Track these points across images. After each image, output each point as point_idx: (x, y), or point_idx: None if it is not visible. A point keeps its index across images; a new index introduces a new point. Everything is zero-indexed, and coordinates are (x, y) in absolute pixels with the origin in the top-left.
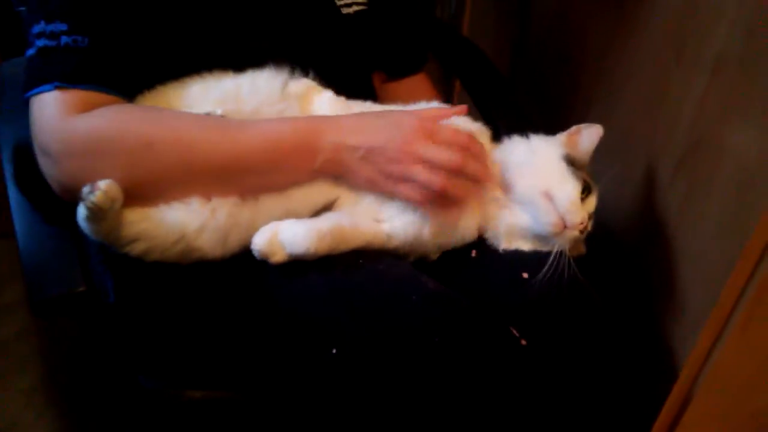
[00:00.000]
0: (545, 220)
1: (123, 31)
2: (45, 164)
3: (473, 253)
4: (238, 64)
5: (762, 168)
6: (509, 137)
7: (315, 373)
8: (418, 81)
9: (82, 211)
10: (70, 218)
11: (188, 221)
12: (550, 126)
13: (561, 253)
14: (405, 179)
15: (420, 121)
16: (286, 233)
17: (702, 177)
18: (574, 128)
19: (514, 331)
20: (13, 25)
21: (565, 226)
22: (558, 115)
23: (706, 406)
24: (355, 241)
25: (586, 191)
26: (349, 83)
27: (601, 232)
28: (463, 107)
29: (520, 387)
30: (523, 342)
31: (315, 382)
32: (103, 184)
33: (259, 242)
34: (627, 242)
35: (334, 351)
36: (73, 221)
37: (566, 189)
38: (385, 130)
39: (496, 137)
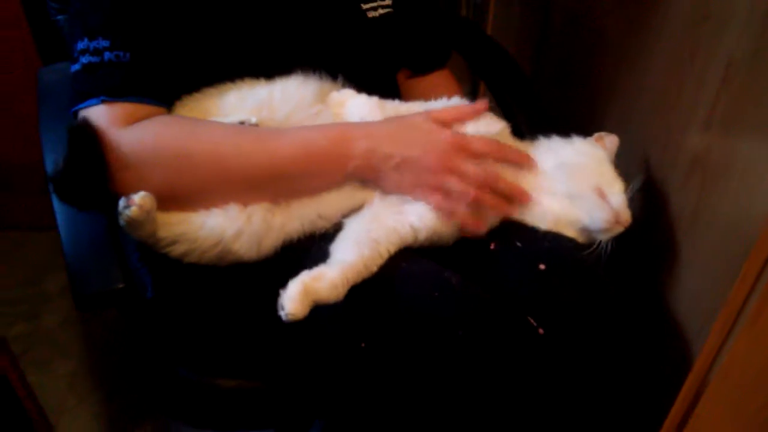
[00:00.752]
0: (600, 215)
1: (161, 44)
2: None
3: (492, 246)
4: (269, 70)
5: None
6: (533, 135)
7: (344, 366)
8: (442, 77)
9: (121, 222)
10: (110, 219)
11: (226, 226)
12: (571, 124)
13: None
14: (438, 190)
15: (454, 136)
16: (321, 294)
17: (714, 178)
18: (596, 135)
19: (532, 321)
20: (51, 33)
21: (617, 222)
22: (578, 113)
23: (718, 398)
24: (372, 265)
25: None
26: (375, 83)
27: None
28: (484, 102)
29: (538, 374)
30: (541, 331)
31: (344, 374)
32: (137, 198)
33: (292, 310)
34: (641, 240)
35: (363, 345)
36: (113, 222)
37: (618, 188)
38: (419, 142)
39: (517, 135)
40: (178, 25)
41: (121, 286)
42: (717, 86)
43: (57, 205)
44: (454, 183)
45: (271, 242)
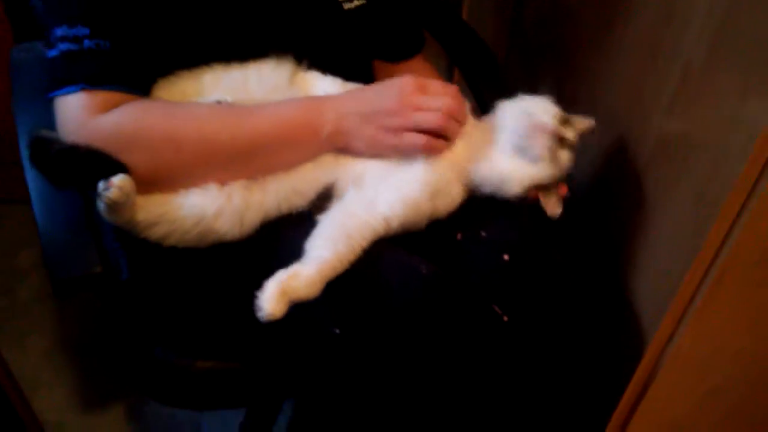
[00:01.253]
0: (520, 123)
1: (140, 32)
2: None
3: (458, 236)
4: (244, 55)
5: (720, 169)
6: None
7: (318, 349)
8: (417, 63)
9: (100, 206)
10: (86, 200)
11: (206, 204)
12: None
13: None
14: (406, 128)
15: (411, 78)
16: (299, 292)
17: (671, 171)
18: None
19: (497, 309)
20: (23, 12)
21: (541, 126)
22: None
23: (667, 384)
24: (347, 259)
25: (564, 120)
26: (350, 72)
27: (577, 215)
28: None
29: (502, 359)
30: (505, 318)
31: (317, 358)
32: (117, 180)
33: (272, 309)
34: (601, 228)
35: (336, 331)
36: (89, 203)
37: (540, 105)
38: (379, 93)
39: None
40: (157, 12)
41: (98, 270)
42: (676, 84)
43: (32, 185)
44: (419, 116)
45: (251, 219)
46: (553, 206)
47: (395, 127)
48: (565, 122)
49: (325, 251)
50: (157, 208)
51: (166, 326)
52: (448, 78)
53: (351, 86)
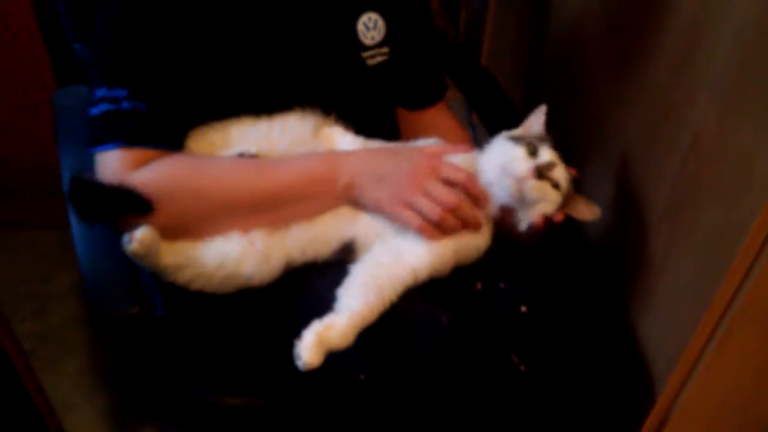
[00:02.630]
0: (490, 171)
1: (175, 92)
2: None
3: (478, 286)
4: (272, 108)
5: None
6: None
7: (342, 392)
8: (438, 111)
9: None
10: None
11: (229, 250)
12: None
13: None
14: (409, 206)
15: (427, 159)
16: (333, 342)
17: (681, 230)
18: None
19: (515, 358)
20: (67, 58)
21: (519, 178)
22: (570, 141)
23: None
24: (375, 314)
25: (533, 150)
26: (373, 122)
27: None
28: (467, 147)
29: (520, 406)
30: (522, 368)
31: (341, 399)
32: (139, 234)
33: (308, 359)
34: (617, 277)
35: (362, 377)
36: None
37: (509, 153)
38: (396, 161)
39: None
40: (190, 73)
41: (136, 310)
42: (686, 148)
43: (75, 227)
44: (423, 202)
45: (275, 263)
46: (583, 212)
47: (400, 199)
48: (535, 153)
49: (357, 301)
50: (183, 253)
51: (199, 362)
52: (468, 109)
53: (372, 144)
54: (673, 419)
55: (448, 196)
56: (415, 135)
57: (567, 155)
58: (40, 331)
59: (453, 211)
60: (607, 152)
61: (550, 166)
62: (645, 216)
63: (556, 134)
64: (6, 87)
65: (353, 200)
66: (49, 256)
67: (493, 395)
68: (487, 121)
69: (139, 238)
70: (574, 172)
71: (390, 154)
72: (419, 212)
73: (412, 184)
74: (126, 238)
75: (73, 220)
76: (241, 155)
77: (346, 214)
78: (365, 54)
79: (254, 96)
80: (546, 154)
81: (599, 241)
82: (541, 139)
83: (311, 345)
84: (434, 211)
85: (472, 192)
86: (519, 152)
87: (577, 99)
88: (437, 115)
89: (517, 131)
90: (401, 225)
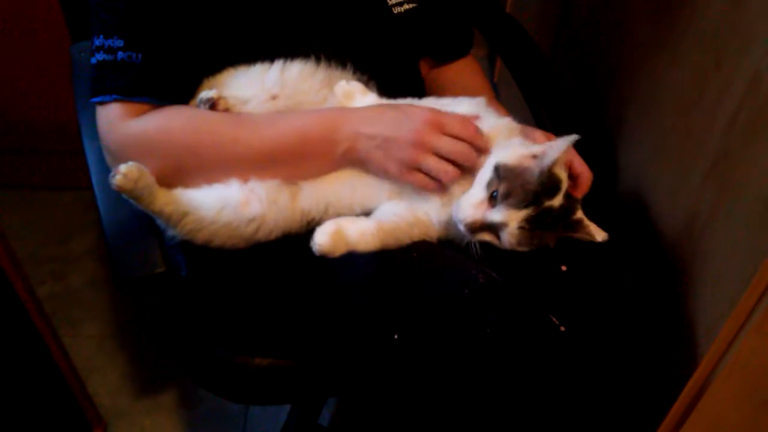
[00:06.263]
0: (453, 207)
1: (173, 45)
2: (109, 161)
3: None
4: (283, 57)
5: None
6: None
7: (374, 352)
8: (465, 64)
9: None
10: None
11: (229, 194)
12: (590, 105)
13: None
14: (417, 168)
15: (431, 113)
16: (351, 230)
17: (730, 185)
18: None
19: (554, 319)
20: (81, 11)
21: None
22: (602, 93)
23: (722, 393)
24: (402, 236)
25: (499, 197)
26: (397, 73)
27: (632, 224)
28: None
29: (558, 368)
30: (562, 329)
31: (372, 359)
32: (124, 168)
33: (322, 241)
34: (657, 238)
35: (396, 336)
36: None
37: (472, 191)
38: (398, 121)
39: (536, 115)
40: (192, 24)
41: (161, 269)
42: (741, 93)
43: (99, 191)
44: (428, 161)
45: (287, 210)
46: (587, 238)
47: (404, 161)
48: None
49: (388, 216)
50: (182, 200)
51: (225, 323)
52: (490, 68)
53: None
54: (716, 381)
55: (457, 148)
56: (440, 90)
57: (598, 108)
58: (59, 293)
59: (460, 162)
60: (645, 104)
61: (499, 226)
62: (689, 172)
63: (587, 84)
64: (21, 44)
65: (357, 164)
66: (67, 218)
67: (532, 357)
68: (513, 68)
69: (124, 171)
70: (589, 177)
71: (390, 111)
72: (429, 173)
73: (416, 145)
74: (112, 172)
75: (95, 179)
76: (201, 101)
77: (360, 178)
78: (392, 1)
79: (268, 44)
80: (498, 215)
81: (638, 199)
82: (529, 183)
83: (329, 231)
84: (445, 169)
85: (477, 145)
86: (476, 195)
87: (611, 46)
88: (465, 69)
89: (536, 148)
90: (407, 185)
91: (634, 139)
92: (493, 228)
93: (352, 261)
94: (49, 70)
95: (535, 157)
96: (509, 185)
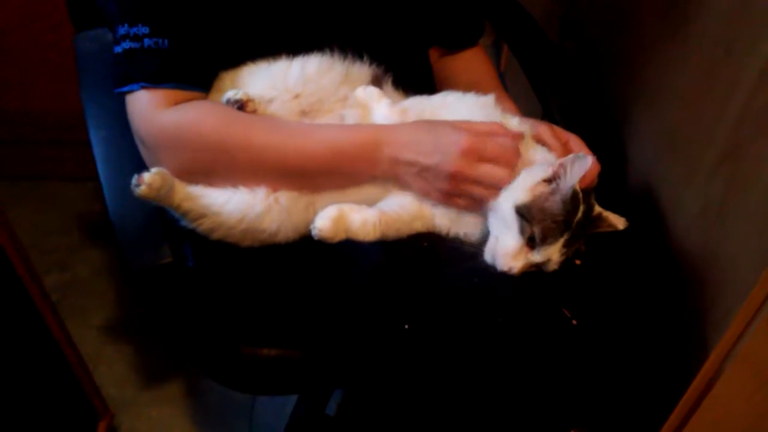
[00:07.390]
0: (486, 254)
1: (199, 30)
2: (144, 154)
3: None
4: (298, 49)
5: None
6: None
7: (383, 343)
8: (474, 54)
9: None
10: None
11: (253, 203)
12: (597, 95)
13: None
14: (456, 195)
15: (470, 140)
16: (353, 218)
17: (741, 178)
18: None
19: (567, 313)
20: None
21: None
22: (610, 81)
23: (731, 385)
24: (403, 228)
25: (537, 241)
26: (409, 62)
27: (641, 218)
28: (521, 134)
29: (569, 360)
30: (574, 322)
31: (381, 350)
32: (147, 177)
33: (323, 226)
34: (666, 231)
35: (406, 326)
36: None
37: (503, 242)
38: (437, 149)
39: (545, 104)
40: (214, 8)
41: (168, 260)
42: (753, 84)
43: (105, 181)
44: (470, 189)
45: (300, 219)
46: (609, 228)
47: (446, 191)
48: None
49: (391, 207)
50: (201, 200)
51: (232, 314)
52: (496, 56)
53: (410, 113)
54: (729, 369)
55: (497, 174)
56: (449, 79)
57: (605, 99)
58: (65, 283)
59: (497, 186)
60: (653, 93)
61: (543, 264)
62: (698, 164)
63: (594, 74)
64: (26, 35)
65: (394, 182)
66: (72, 208)
67: (545, 349)
68: (520, 56)
69: (148, 181)
70: (597, 168)
71: (430, 137)
72: (470, 198)
73: (456, 176)
74: (134, 180)
75: (101, 169)
76: (228, 102)
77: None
78: None
79: (283, 34)
80: (541, 256)
81: (647, 193)
82: (557, 215)
83: (330, 216)
84: (488, 195)
85: (514, 163)
86: (511, 245)
87: (619, 34)
88: (473, 58)
89: (547, 171)
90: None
91: (643, 130)
92: (536, 264)
93: (361, 250)
94: (52, 61)
95: (545, 181)
96: (542, 226)
